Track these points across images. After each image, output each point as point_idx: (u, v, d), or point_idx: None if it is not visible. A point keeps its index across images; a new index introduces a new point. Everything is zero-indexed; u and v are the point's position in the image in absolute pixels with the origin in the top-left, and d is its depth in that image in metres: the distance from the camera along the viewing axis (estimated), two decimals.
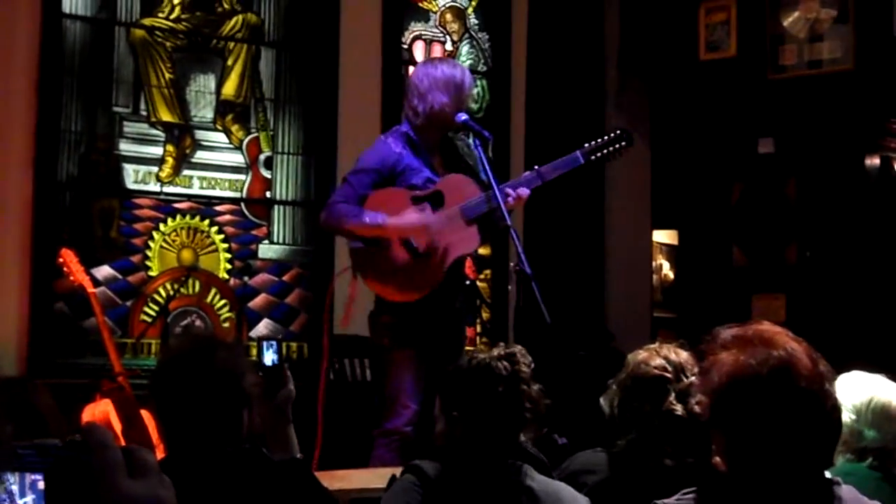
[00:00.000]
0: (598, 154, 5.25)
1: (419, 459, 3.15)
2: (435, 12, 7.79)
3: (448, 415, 3.15)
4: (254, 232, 6.99)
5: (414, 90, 5.24)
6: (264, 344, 3.35)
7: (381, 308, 5.21)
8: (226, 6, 6.98)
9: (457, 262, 5.23)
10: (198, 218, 6.78)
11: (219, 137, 6.93)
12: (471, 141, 5.22)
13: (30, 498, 0.99)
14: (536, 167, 5.22)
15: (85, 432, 0.98)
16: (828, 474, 2.26)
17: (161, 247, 6.64)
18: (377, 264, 5.13)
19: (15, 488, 0.99)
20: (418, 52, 7.67)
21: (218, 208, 6.87)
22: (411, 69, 7.47)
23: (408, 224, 5.09)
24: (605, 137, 5.27)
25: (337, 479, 4.12)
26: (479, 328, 7.72)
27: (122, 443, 1.00)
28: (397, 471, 3.25)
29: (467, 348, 7.37)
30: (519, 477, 3.05)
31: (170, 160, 6.72)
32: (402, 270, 5.12)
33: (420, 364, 5.10)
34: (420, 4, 7.72)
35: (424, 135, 5.22)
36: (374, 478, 4.12)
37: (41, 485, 0.98)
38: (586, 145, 5.23)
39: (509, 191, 5.10)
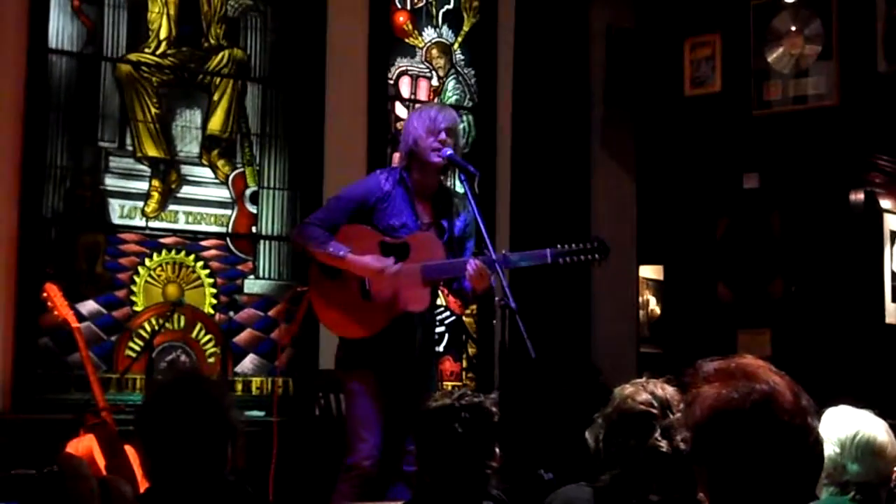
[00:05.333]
0: (568, 259, 5.04)
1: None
2: (421, 48, 7.81)
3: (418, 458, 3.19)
4: (239, 267, 6.97)
5: (400, 134, 5.39)
6: None
7: (339, 341, 5.29)
8: (212, 41, 6.99)
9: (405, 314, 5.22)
10: (183, 253, 6.77)
11: (205, 172, 6.93)
12: (458, 179, 5.25)
13: None
14: (504, 252, 5.19)
15: (60, 463, 0.98)
16: None
17: (146, 282, 6.63)
18: (328, 294, 5.25)
19: None
20: (404, 87, 7.69)
21: (203, 243, 6.86)
22: (398, 105, 7.54)
23: (366, 265, 5.12)
24: (581, 245, 5.04)
25: None
26: (465, 363, 7.71)
27: (102, 475, 0.99)
28: None
29: (454, 384, 7.41)
30: None
31: (155, 195, 6.71)
32: (348, 307, 5.21)
33: (376, 398, 5.14)
34: (406, 40, 7.74)
35: (416, 179, 5.26)
36: None
37: None
38: (558, 247, 5.05)
39: (471, 261, 5.05)
